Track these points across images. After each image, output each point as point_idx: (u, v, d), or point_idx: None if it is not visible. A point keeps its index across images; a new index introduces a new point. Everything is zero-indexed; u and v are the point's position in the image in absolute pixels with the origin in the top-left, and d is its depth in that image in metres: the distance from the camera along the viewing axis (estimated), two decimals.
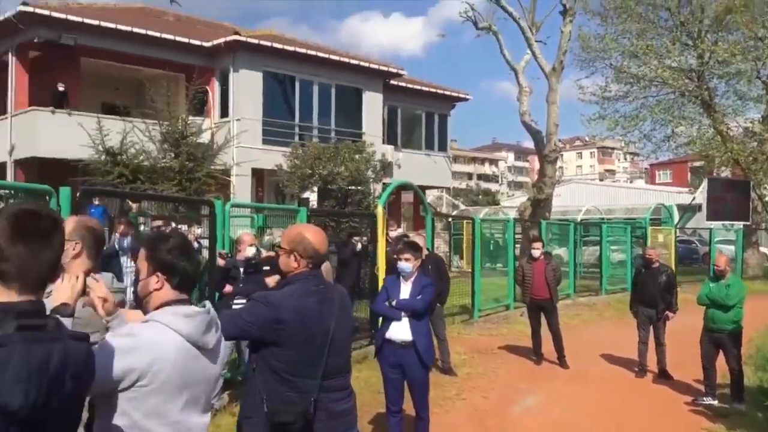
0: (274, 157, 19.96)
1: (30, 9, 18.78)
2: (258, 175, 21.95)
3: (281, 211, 10.83)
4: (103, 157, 14.08)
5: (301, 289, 3.12)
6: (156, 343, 2.19)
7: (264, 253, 8.13)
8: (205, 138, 17.06)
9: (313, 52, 23.16)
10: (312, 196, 18.47)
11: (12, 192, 6.43)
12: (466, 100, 29.95)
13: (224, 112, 22.06)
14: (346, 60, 24.14)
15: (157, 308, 2.33)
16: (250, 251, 7.22)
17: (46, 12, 19.04)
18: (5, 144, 20.25)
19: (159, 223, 7.48)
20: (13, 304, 1.69)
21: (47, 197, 5.49)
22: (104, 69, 21.71)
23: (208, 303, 2.39)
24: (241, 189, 20.41)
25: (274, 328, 3.01)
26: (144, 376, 2.14)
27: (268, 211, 10.65)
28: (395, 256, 6.18)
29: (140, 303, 2.51)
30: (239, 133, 17.57)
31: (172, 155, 13.90)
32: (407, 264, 5.66)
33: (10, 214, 1.76)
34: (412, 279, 5.70)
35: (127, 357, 2.12)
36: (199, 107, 19.49)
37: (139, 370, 2.14)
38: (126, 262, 6.87)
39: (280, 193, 21.88)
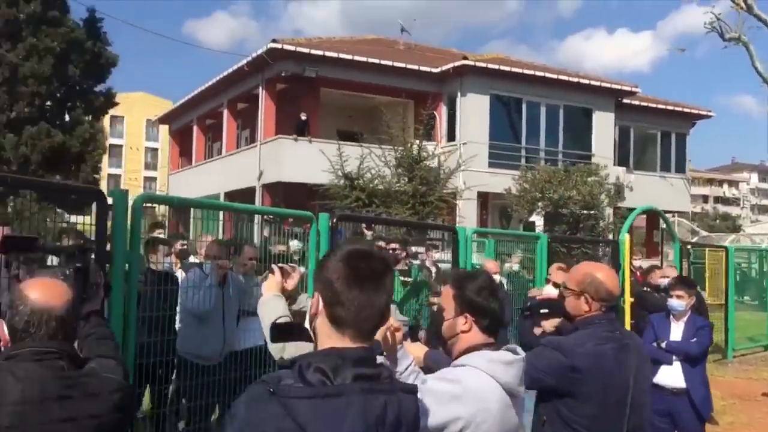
0: (500, 181, 19.75)
1: (278, 46, 20.53)
2: (482, 198, 21.88)
3: (514, 237, 10.55)
4: (341, 181, 14.82)
5: (595, 335, 2.81)
6: (479, 392, 2.03)
7: (504, 283, 7.88)
8: (433, 162, 17.37)
9: (541, 73, 22.69)
10: (538, 220, 17.96)
11: (276, 217, 6.85)
12: (707, 117, 27.55)
13: (451, 136, 22.31)
14: (576, 80, 23.34)
15: (464, 352, 2.17)
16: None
17: (292, 48, 20.69)
18: (255, 170, 22.23)
19: (395, 245, 7.52)
20: (350, 350, 1.60)
21: (309, 223, 5.73)
22: (340, 98, 23.05)
23: (519, 348, 2.18)
24: (467, 212, 20.45)
25: (570, 377, 2.73)
26: (467, 426, 1.98)
27: (501, 236, 10.41)
28: (665, 293, 5.61)
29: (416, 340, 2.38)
30: (469, 158, 17.54)
31: (406, 180, 14.24)
32: (679, 302, 5.09)
33: (344, 255, 1.68)
34: (685, 319, 5.12)
35: (451, 405, 1.98)
36: (428, 132, 19.90)
37: (463, 420, 1.98)
38: None
39: (505, 216, 21.60)
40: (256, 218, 7.81)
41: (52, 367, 1.85)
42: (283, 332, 2.09)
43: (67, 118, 21.03)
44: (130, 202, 4.21)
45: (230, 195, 23.71)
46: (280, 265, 3.39)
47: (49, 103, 20.58)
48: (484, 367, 2.07)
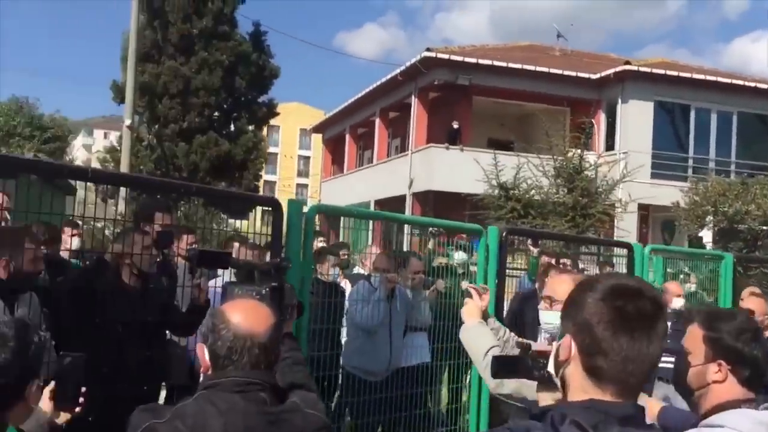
0: (664, 193, 18.49)
1: (432, 54, 20.50)
2: (642, 210, 20.59)
3: (696, 256, 9.68)
4: (496, 191, 14.42)
5: None
6: None
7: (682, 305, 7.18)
8: (592, 172, 16.50)
9: (712, 78, 21.07)
10: (706, 236, 16.61)
11: (441, 230, 6.63)
12: None
13: (610, 145, 21.25)
14: (753, 84, 21.43)
15: (716, 408, 1.80)
16: (677, 303, 6.38)
17: (445, 56, 20.60)
18: (405, 178, 22.30)
19: (566, 261, 7.02)
20: (615, 405, 1.30)
21: (479, 236, 5.46)
22: (491, 106, 22.65)
23: None
24: (627, 226, 19.32)
25: None
26: None
27: (681, 255, 9.59)
28: None
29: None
30: (635, 169, 16.49)
31: (565, 191, 13.60)
32: None
33: (607, 292, 1.36)
34: None
35: None
36: (585, 141, 19.07)
37: None
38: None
39: (668, 231, 20.23)
40: (406, 228, 7.63)
41: (255, 400, 1.70)
42: (506, 367, 1.84)
43: (232, 127, 22.22)
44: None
45: (380, 203, 23.95)
46: (471, 285, 3.15)
47: (216, 113, 21.84)
48: (748, 431, 1.69)
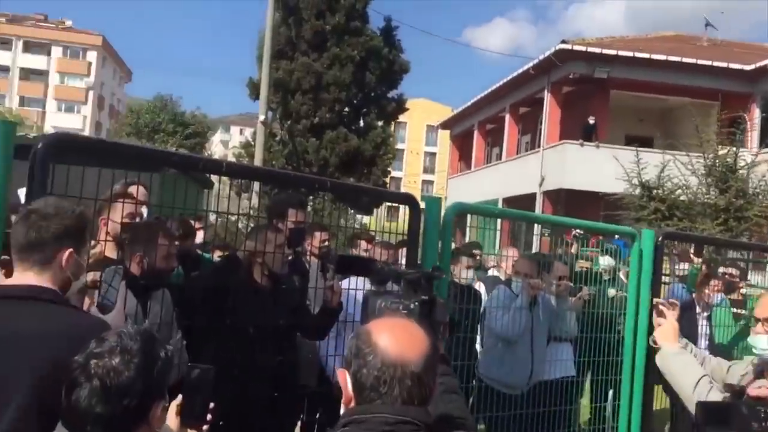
0: None
1: (568, 46, 19.61)
2: None
3: None
4: (637, 190, 13.51)
5: None
6: None
7: None
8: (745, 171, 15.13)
9: None
10: None
11: (586, 233, 6.13)
12: None
13: (766, 143, 19.45)
14: None
15: None
16: None
17: (582, 48, 19.64)
18: (536, 176, 21.53)
19: (731, 271, 6.28)
20: None
21: (632, 240, 4.94)
22: (629, 100, 21.45)
23: None
24: None
25: None
26: None
27: None
28: None
29: None
30: None
31: (717, 191, 12.48)
32: None
33: None
34: None
35: None
36: (739, 137, 17.56)
37: None
38: (702, 322, 5.74)
39: None
40: (536, 228, 7.13)
41: None
42: (715, 416, 1.44)
43: (361, 123, 22.31)
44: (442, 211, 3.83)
45: (508, 201, 23.31)
46: (661, 301, 2.73)
47: (347, 109, 21.99)
48: None
